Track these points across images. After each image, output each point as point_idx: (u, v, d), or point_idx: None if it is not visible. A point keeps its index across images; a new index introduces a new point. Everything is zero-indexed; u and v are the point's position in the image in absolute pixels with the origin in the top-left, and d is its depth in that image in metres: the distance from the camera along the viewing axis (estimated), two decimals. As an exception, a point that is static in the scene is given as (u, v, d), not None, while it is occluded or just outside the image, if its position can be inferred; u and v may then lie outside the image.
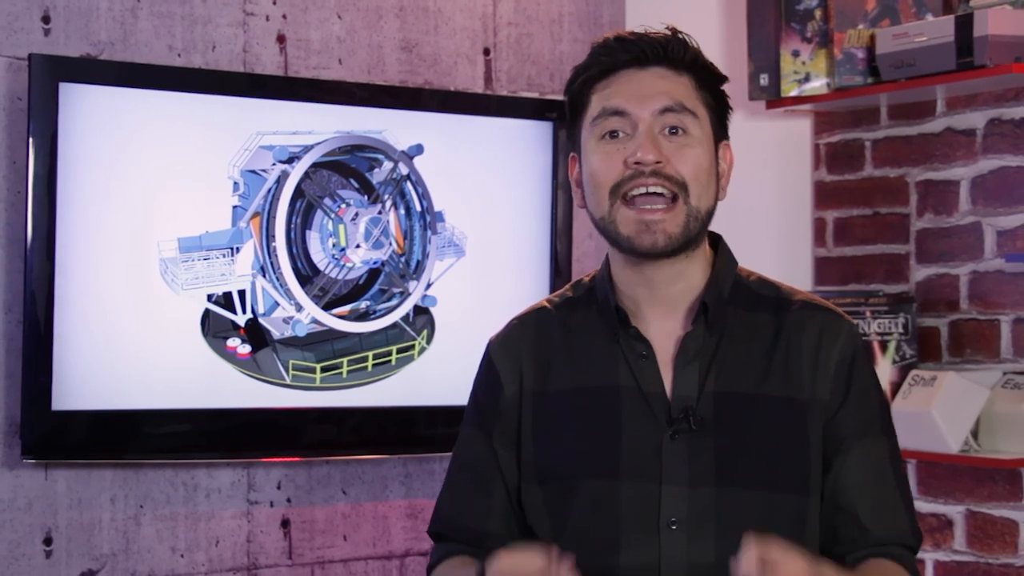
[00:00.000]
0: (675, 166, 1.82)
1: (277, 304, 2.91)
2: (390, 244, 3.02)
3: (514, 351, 1.95)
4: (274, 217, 2.89)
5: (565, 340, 1.93)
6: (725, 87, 1.92)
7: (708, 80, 1.89)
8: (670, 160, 1.82)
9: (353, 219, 2.98)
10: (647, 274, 1.88)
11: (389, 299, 3.02)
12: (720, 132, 1.90)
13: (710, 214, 1.87)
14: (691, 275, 1.89)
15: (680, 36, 1.88)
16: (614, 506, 1.84)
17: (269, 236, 2.90)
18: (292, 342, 2.92)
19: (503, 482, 1.94)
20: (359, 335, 2.99)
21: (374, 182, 3.00)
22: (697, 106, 1.86)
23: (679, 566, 1.81)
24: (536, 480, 1.91)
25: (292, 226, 2.92)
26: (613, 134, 1.84)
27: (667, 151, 1.82)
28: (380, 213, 3.00)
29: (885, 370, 3.06)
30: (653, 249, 1.83)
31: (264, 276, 2.90)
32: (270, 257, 2.90)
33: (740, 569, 1.63)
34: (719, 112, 1.90)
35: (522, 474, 1.92)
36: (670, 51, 1.86)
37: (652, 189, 1.81)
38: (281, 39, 3.06)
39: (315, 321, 2.94)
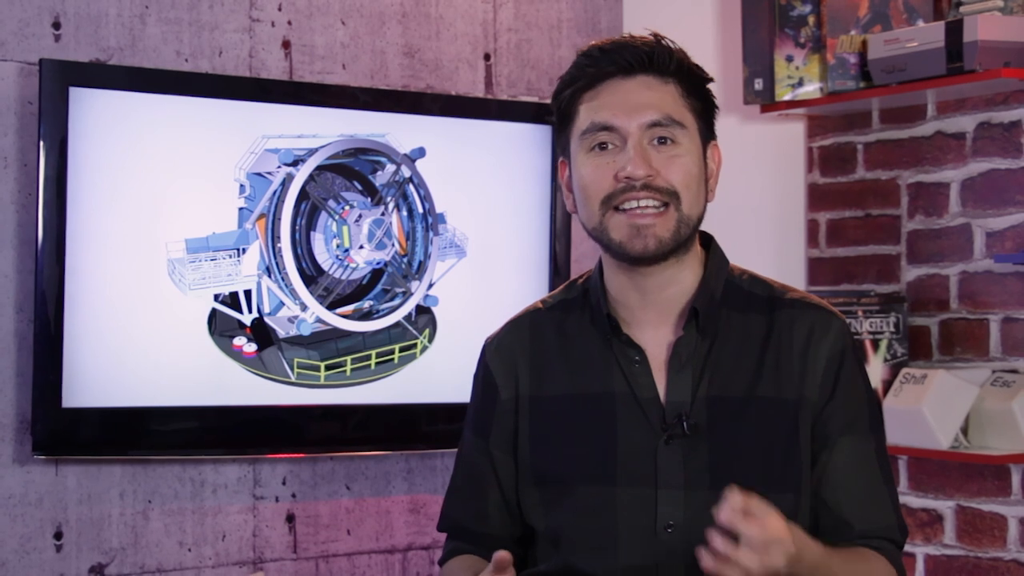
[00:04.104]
0: (665, 177, 1.82)
1: (282, 304, 2.94)
2: (393, 245, 3.05)
3: (509, 355, 1.97)
4: (279, 219, 2.92)
5: (560, 343, 1.94)
6: (717, 89, 1.90)
7: (694, 85, 1.88)
8: (660, 172, 1.82)
9: (356, 221, 3.01)
10: (638, 280, 1.89)
11: (392, 299, 3.05)
12: (707, 134, 1.90)
13: (700, 219, 1.88)
14: (682, 279, 1.90)
15: (664, 43, 1.86)
16: (611, 511, 1.86)
17: (274, 237, 2.92)
18: (297, 341, 2.95)
19: (499, 485, 1.96)
20: (362, 334, 3.02)
21: (377, 184, 3.03)
22: (684, 115, 1.85)
23: (676, 569, 1.83)
24: (533, 482, 1.93)
25: (297, 227, 2.94)
26: (602, 146, 1.85)
27: (656, 162, 1.83)
28: (383, 215, 3.03)
29: (877, 368, 3.09)
30: (644, 253, 1.84)
31: (270, 276, 2.93)
32: (275, 258, 2.93)
33: (722, 517, 1.63)
34: (706, 115, 1.89)
35: (520, 475, 1.95)
36: (655, 59, 1.85)
37: (643, 203, 1.82)
38: (286, 45, 3.09)
39: (319, 320, 2.97)
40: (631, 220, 1.83)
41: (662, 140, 1.84)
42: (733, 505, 1.63)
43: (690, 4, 3.44)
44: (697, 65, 1.90)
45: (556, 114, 1.91)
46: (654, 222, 1.83)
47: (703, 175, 1.88)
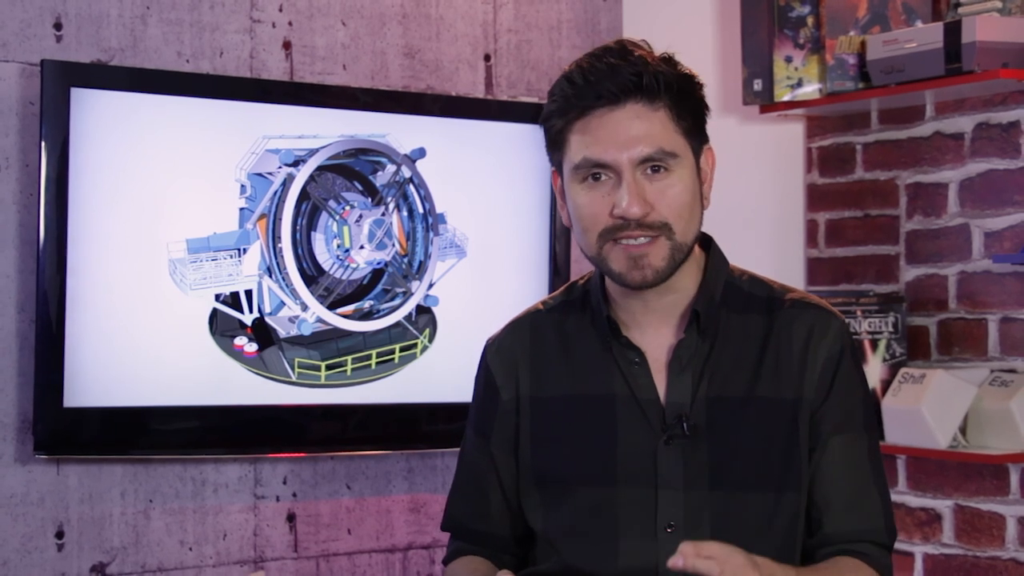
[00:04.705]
0: (659, 212, 1.82)
1: (283, 304, 2.95)
2: (393, 245, 3.06)
3: (509, 357, 1.98)
4: (280, 219, 2.93)
5: (560, 345, 1.95)
6: (716, 90, 1.91)
7: (686, 105, 1.85)
8: (654, 206, 1.82)
9: (357, 221, 3.02)
10: (638, 292, 1.89)
11: (392, 299, 3.06)
12: (700, 142, 1.88)
13: (696, 238, 1.89)
14: (682, 285, 1.90)
15: (652, 68, 1.82)
16: (611, 511, 1.87)
17: (275, 237, 2.93)
18: (298, 341, 2.96)
19: (500, 486, 1.98)
20: (363, 334, 3.03)
21: (377, 185, 3.04)
22: (676, 142, 1.83)
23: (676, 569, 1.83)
24: (534, 483, 1.94)
25: (298, 228, 2.95)
26: (596, 177, 1.84)
27: (650, 195, 1.82)
28: (383, 215, 3.04)
29: (875, 368, 3.10)
30: (643, 284, 1.85)
31: (270, 276, 2.94)
32: (276, 258, 2.94)
33: (675, 563, 1.63)
34: (698, 130, 1.87)
35: (521, 476, 1.96)
36: (644, 86, 1.81)
37: (639, 240, 1.83)
38: (287, 45, 3.11)
39: (320, 320, 2.98)
40: (628, 251, 1.84)
41: (655, 169, 1.83)
42: (685, 552, 1.63)
43: (689, 5, 3.45)
44: (687, 77, 1.86)
45: (546, 137, 1.91)
46: (647, 251, 1.83)
47: (697, 195, 1.87)
